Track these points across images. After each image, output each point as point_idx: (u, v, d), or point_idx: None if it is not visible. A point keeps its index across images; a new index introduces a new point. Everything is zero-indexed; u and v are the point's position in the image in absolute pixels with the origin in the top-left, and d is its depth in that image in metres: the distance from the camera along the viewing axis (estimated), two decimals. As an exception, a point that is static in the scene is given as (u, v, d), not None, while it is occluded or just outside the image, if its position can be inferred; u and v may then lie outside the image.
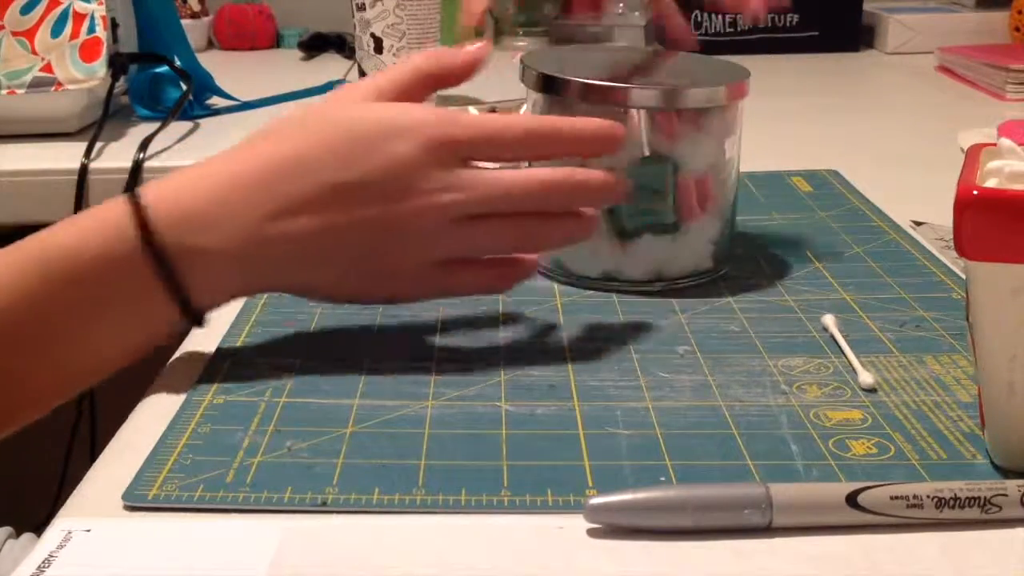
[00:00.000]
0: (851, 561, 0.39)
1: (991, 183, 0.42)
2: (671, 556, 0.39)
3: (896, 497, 0.40)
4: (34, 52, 0.98)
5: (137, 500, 0.42)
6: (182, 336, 0.58)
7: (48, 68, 0.98)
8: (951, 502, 0.40)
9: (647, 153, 0.60)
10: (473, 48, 0.56)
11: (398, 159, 0.50)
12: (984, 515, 0.40)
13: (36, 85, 0.97)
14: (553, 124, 0.55)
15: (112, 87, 1.03)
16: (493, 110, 0.96)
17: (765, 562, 0.39)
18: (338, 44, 1.46)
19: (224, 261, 0.50)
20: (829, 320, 0.57)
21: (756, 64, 1.39)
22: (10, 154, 0.96)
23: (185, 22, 1.28)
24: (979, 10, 1.48)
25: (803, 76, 1.34)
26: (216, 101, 1.12)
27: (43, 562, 0.39)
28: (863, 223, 0.74)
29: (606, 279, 0.62)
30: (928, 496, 0.40)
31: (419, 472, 0.44)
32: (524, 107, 0.65)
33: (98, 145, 0.96)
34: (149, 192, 0.51)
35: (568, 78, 0.61)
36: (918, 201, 0.78)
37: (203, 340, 0.56)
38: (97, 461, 0.46)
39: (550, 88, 0.62)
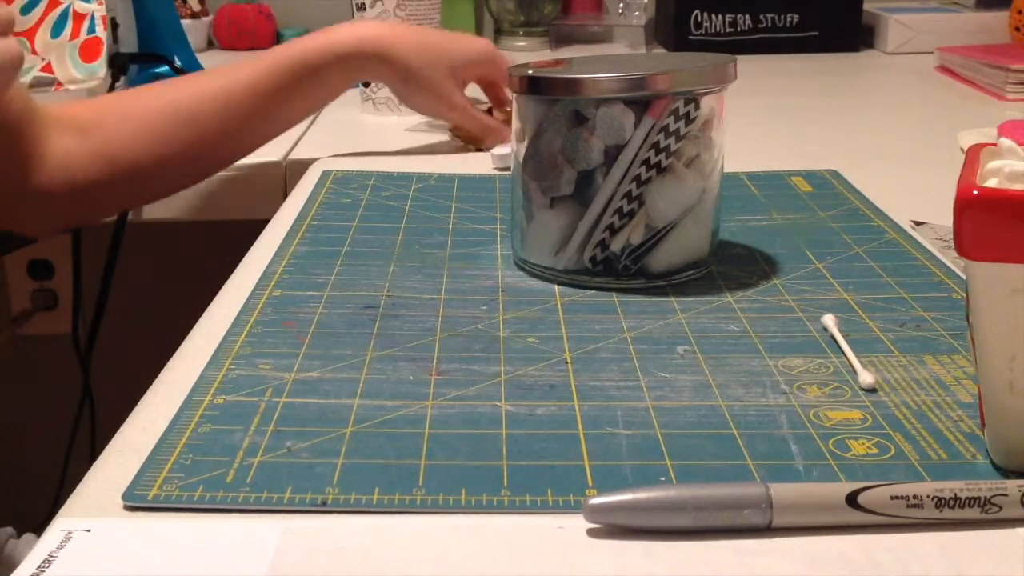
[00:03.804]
0: (851, 561, 0.39)
1: (991, 183, 0.42)
2: (671, 556, 0.39)
3: (896, 497, 0.40)
4: (34, 52, 0.98)
5: (137, 500, 0.42)
6: (182, 337, 0.58)
7: (48, 68, 0.98)
8: (951, 502, 0.40)
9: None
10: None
11: None
12: (984, 515, 0.40)
13: (36, 85, 0.97)
14: None
15: (112, 87, 1.03)
16: (490, 111, 0.96)
17: (765, 562, 0.39)
18: (338, 44, 1.46)
19: None
20: (829, 320, 0.57)
21: (756, 64, 1.40)
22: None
23: (185, 22, 1.28)
24: (979, 10, 1.48)
25: (803, 76, 1.34)
26: (216, 101, 1.11)
27: (43, 562, 0.39)
28: (863, 223, 0.74)
29: (585, 273, 0.63)
30: (928, 496, 0.40)
31: (419, 472, 0.44)
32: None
33: (98, 145, 0.95)
34: None
35: (544, 75, 0.61)
36: (918, 201, 0.78)
37: (203, 340, 0.56)
38: (97, 461, 0.46)
39: (532, 89, 0.62)
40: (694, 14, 1.44)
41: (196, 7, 1.52)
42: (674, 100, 0.60)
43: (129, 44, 1.09)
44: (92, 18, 0.99)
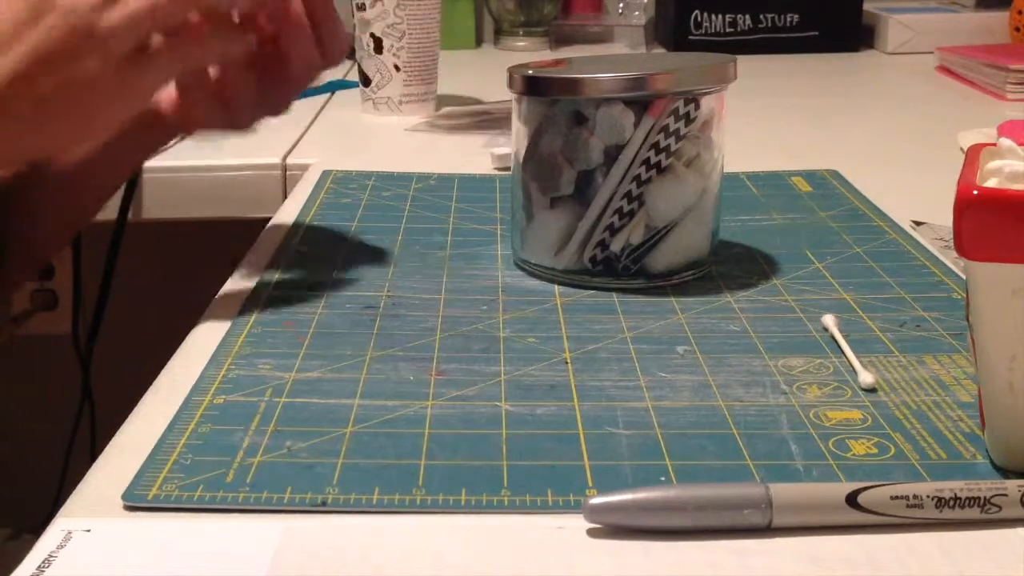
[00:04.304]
0: (851, 561, 0.39)
1: (991, 183, 0.42)
2: (671, 556, 0.39)
3: (896, 497, 0.40)
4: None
5: (137, 500, 0.42)
6: (182, 336, 0.58)
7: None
8: (951, 502, 0.40)
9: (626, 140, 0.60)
10: None
11: None
12: (984, 515, 0.40)
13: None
14: None
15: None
16: (487, 112, 0.96)
17: (765, 562, 0.39)
18: (338, 44, 1.46)
19: None
20: (829, 320, 0.57)
21: (756, 64, 1.40)
22: None
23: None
24: (979, 10, 1.48)
25: (803, 76, 1.34)
26: (216, 101, 1.11)
27: (43, 562, 0.39)
28: (863, 223, 0.74)
29: (585, 273, 0.63)
30: (928, 496, 0.40)
31: (419, 472, 0.44)
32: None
33: (98, 145, 0.95)
34: None
35: (544, 75, 0.61)
36: (918, 201, 0.78)
37: (203, 340, 0.56)
38: (97, 461, 0.46)
39: (532, 89, 0.62)
40: (694, 14, 1.44)
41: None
42: (674, 100, 0.60)
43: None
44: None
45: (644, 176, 0.61)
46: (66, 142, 0.57)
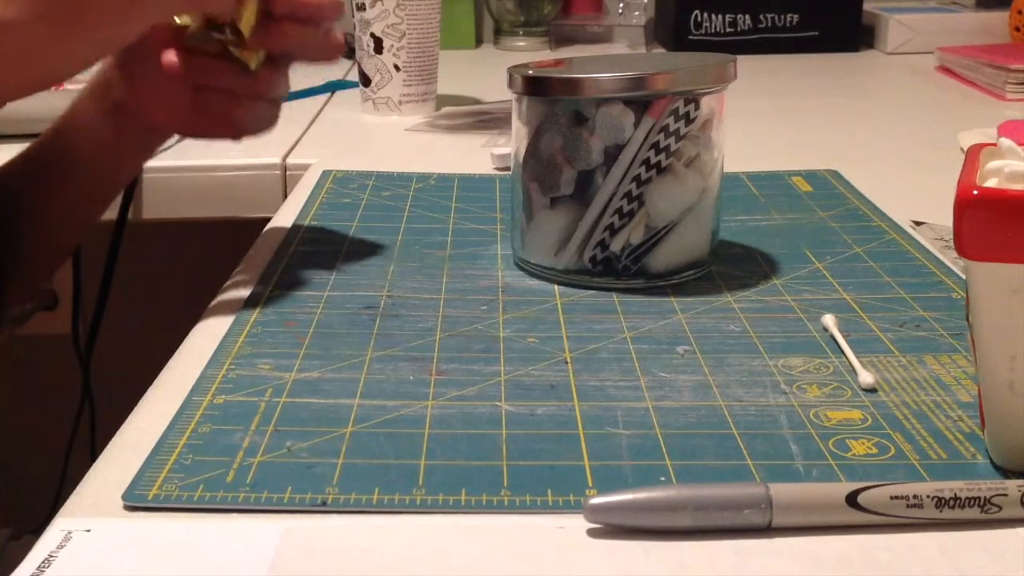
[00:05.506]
0: (851, 561, 0.39)
1: (991, 183, 0.42)
2: (671, 556, 0.39)
3: (896, 497, 0.40)
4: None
5: (137, 500, 0.42)
6: (182, 336, 0.58)
7: (48, 68, 0.97)
8: (951, 502, 0.40)
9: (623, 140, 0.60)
10: None
11: None
12: (984, 515, 0.40)
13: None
14: None
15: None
16: (487, 112, 0.96)
17: (765, 562, 0.39)
18: (338, 44, 1.46)
19: None
20: (829, 320, 0.57)
21: (756, 64, 1.40)
22: (11, 154, 0.95)
23: (185, 22, 1.28)
24: (979, 10, 1.48)
25: (803, 76, 1.34)
26: (216, 101, 1.11)
27: (43, 562, 0.39)
28: (863, 223, 0.74)
29: (585, 273, 0.63)
30: (928, 496, 0.40)
31: (419, 472, 0.44)
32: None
33: (98, 145, 0.95)
34: None
35: (544, 75, 0.61)
36: (918, 201, 0.78)
37: (203, 340, 0.56)
38: (97, 461, 0.46)
39: (532, 89, 0.62)
40: (694, 14, 1.44)
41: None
42: (674, 100, 0.60)
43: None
44: (92, 18, 0.99)
45: (644, 176, 0.61)
46: (70, 52, 0.61)
